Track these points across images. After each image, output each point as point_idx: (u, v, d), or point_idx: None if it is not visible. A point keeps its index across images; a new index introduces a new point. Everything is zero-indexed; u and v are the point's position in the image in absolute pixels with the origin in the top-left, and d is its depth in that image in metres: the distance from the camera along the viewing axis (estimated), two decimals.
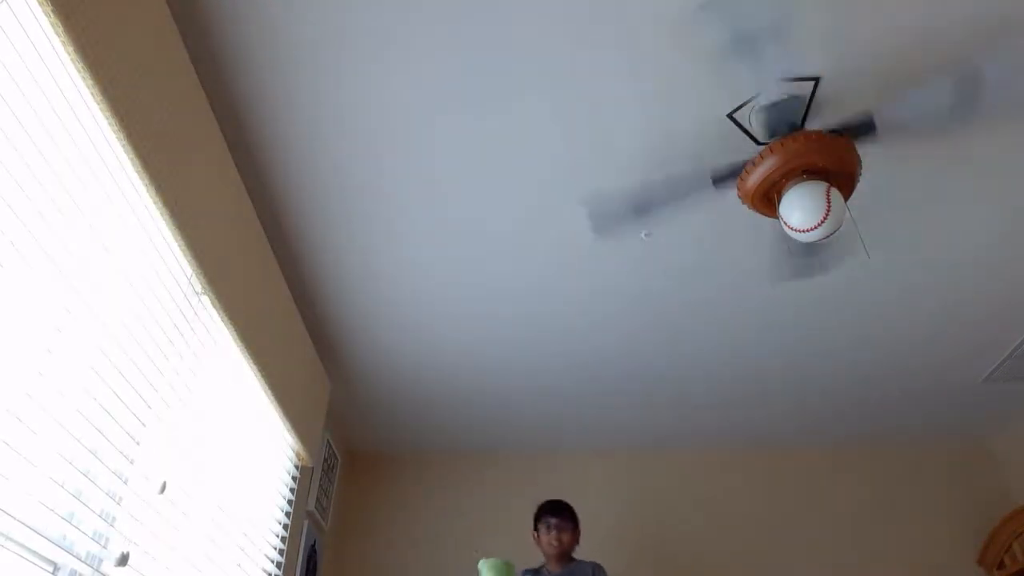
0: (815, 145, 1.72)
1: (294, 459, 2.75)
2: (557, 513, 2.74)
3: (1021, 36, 1.66)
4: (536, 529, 2.75)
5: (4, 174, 1.17)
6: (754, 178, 1.80)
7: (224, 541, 2.08)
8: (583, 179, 2.06)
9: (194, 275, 1.77)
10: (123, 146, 1.38)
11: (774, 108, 1.77)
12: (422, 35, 1.65)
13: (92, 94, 1.29)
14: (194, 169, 1.67)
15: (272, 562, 2.52)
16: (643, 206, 2.01)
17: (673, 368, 3.05)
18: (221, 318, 1.90)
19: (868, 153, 1.84)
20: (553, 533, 2.68)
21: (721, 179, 1.89)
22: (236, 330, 1.95)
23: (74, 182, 1.36)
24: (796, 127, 1.77)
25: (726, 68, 1.70)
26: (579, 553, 2.80)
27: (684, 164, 1.97)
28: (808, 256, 2.24)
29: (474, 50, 1.69)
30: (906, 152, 1.97)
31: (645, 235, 2.26)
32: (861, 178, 1.84)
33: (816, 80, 1.75)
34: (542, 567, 2.72)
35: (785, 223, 1.78)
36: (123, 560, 1.52)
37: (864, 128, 1.76)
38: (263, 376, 2.15)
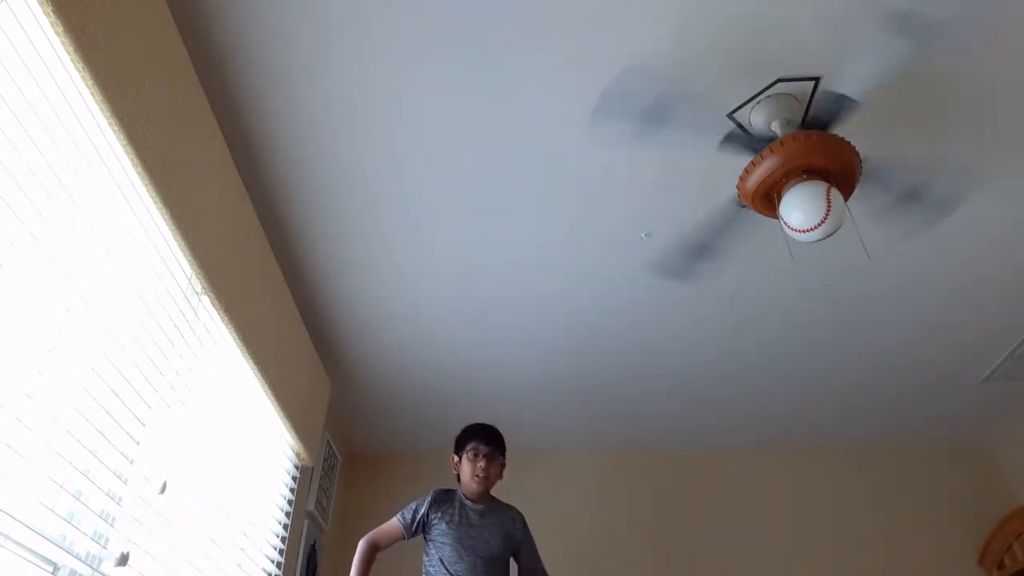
0: (815, 145, 1.72)
1: (294, 459, 2.74)
2: (490, 440, 2.29)
3: None
4: (458, 453, 2.31)
5: (4, 174, 1.17)
6: (754, 178, 1.80)
7: (224, 541, 2.08)
8: (585, 182, 2.06)
9: (194, 275, 1.77)
10: (123, 146, 1.38)
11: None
12: (422, 36, 1.65)
13: (92, 94, 1.29)
14: (194, 169, 1.67)
15: (272, 562, 2.52)
16: (657, 113, 1.81)
17: (672, 369, 3.05)
18: (221, 318, 1.90)
19: (866, 146, 1.84)
20: (481, 463, 2.24)
21: (732, 140, 1.83)
22: (236, 330, 1.95)
23: (74, 182, 1.36)
24: (796, 127, 1.77)
25: (729, 65, 1.70)
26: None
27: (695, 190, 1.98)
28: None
29: (474, 49, 1.69)
30: (903, 130, 1.95)
31: (645, 235, 2.26)
32: (861, 178, 1.84)
33: (816, 80, 1.74)
34: (454, 491, 2.31)
35: (785, 223, 1.78)
36: (123, 560, 1.52)
37: (839, 104, 1.74)
38: (263, 376, 2.15)
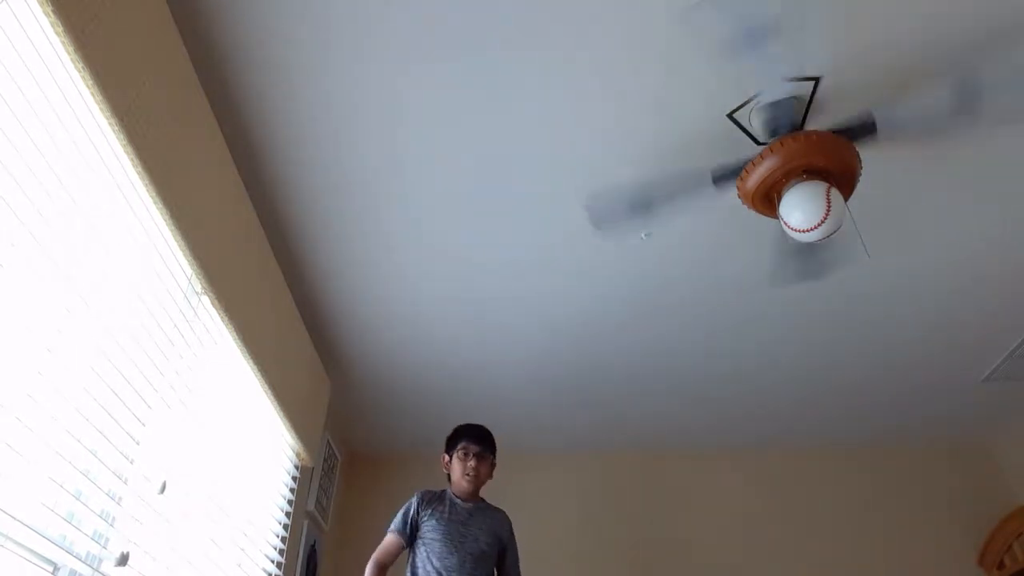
0: (815, 145, 1.72)
1: (294, 459, 2.74)
2: (481, 440, 2.32)
3: (1021, 42, 1.66)
4: (448, 453, 2.34)
5: (4, 174, 1.17)
6: (754, 178, 1.80)
7: (224, 541, 2.08)
8: (584, 181, 2.06)
9: (194, 275, 1.77)
10: (123, 146, 1.38)
11: (774, 107, 1.77)
12: (422, 36, 1.65)
13: (92, 94, 1.29)
14: (194, 169, 1.67)
15: (272, 562, 2.52)
16: (643, 203, 1.96)
17: (672, 369, 3.05)
18: (221, 318, 1.90)
19: (868, 154, 1.84)
20: (472, 462, 2.27)
21: (721, 178, 1.88)
22: (236, 330, 1.95)
23: (74, 182, 1.36)
24: (796, 127, 1.77)
25: (729, 65, 1.70)
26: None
27: (686, 162, 1.97)
28: (806, 259, 2.23)
29: (474, 49, 1.69)
30: (905, 153, 1.97)
31: (645, 235, 2.26)
32: (861, 178, 1.84)
33: (816, 80, 1.75)
34: (443, 491, 2.33)
35: (785, 223, 1.78)
36: (123, 560, 1.52)
37: (863, 129, 1.76)
38: (263, 376, 2.15)
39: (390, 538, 2.25)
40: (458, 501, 2.29)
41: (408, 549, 2.24)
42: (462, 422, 2.40)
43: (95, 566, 1.45)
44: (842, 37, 1.67)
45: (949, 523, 3.59)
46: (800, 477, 3.75)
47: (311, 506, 2.96)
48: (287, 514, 2.70)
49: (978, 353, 2.99)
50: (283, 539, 2.63)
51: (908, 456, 3.80)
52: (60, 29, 1.18)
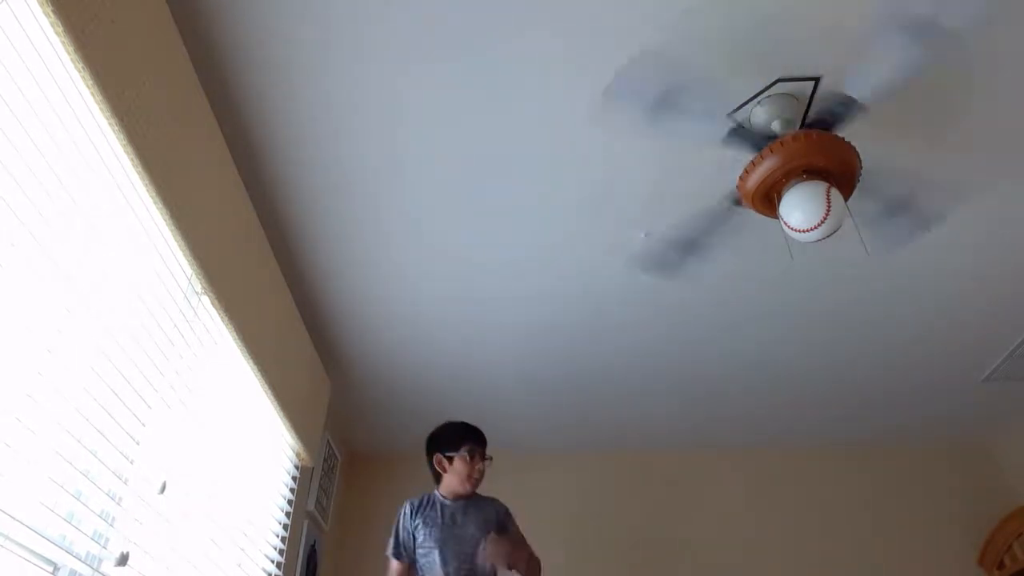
0: (815, 145, 1.72)
1: (294, 459, 2.74)
2: (485, 442, 2.28)
3: None
4: (446, 453, 2.27)
5: (4, 174, 1.17)
6: (754, 178, 1.80)
7: (224, 541, 2.08)
8: (585, 181, 2.06)
9: (194, 275, 1.77)
10: (123, 146, 1.38)
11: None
12: (422, 36, 1.65)
13: (92, 94, 1.29)
14: (194, 169, 1.67)
15: (272, 562, 2.52)
16: (667, 101, 1.79)
17: (671, 369, 3.05)
18: (221, 318, 1.90)
19: (869, 150, 1.84)
20: (480, 465, 2.24)
21: (738, 134, 1.82)
22: (236, 330, 1.94)
23: (74, 182, 1.36)
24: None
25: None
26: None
27: (686, 163, 1.97)
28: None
29: (474, 49, 1.69)
30: (903, 129, 1.94)
31: (645, 235, 2.26)
32: (861, 178, 1.83)
33: (816, 80, 1.74)
34: (429, 495, 2.27)
35: (785, 223, 1.78)
36: (123, 560, 1.52)
37: (850, 108, 1.73)
38: (263, 376, 2.15)
39: (395, 566, 2.21)
40: (447, 502, 2.24)
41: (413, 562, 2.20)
42: (469, 422, 2.37)
43: (95, 566, 1.45)
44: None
45: (949, 523, 3.59)
46: (800, 477, 3.75)
47: (311, 506, 2.96)
48: (287, 514, 2.70)
49: (978, 353, 2.99)
50: (283, 539, 2.63)
51: (908, 456, 3.80)
52: (60, 29, 1.18)
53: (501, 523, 2.25)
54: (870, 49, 1.59)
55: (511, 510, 2.34)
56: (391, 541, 2.24)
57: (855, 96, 1.68)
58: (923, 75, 1.65)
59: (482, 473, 2.26)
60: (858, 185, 1.84)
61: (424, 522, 2.20)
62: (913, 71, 1.61)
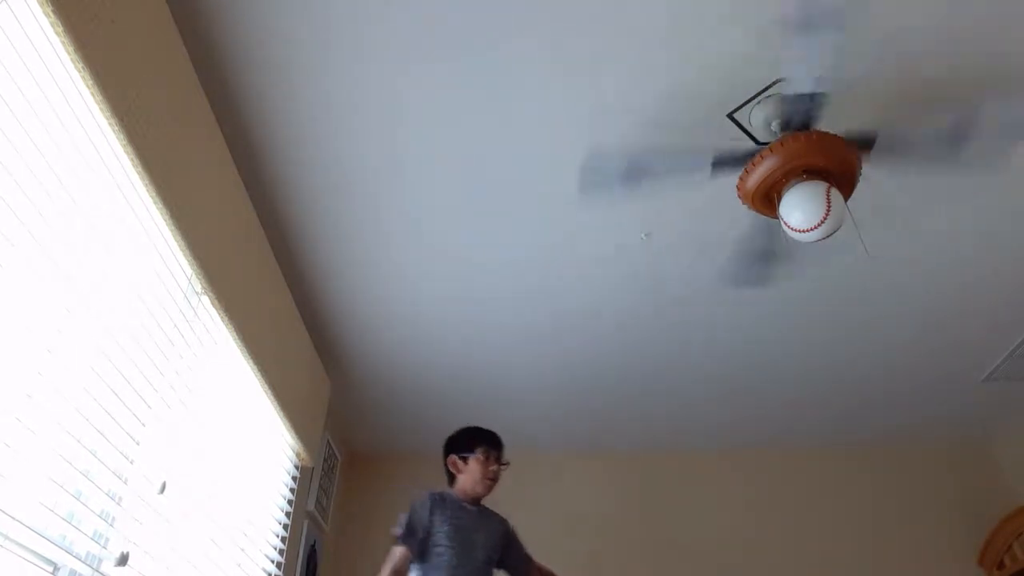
0: (815, 145, 1.72)
1: (294, 459, 2.74)
2: (500, 447, 2.27)
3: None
4: (462, 454, 2.26)
5: (4, 174, 1.17)
6: (754, 178, 1.80)
7: (224, 541, 2.08)
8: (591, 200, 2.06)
9: (194, 275, 1.77)
10: (123, 146, 1.38)
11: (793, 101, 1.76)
12: (422, 36, 1.65)
13: (92, 94, 1.29)
14: (194, 169, 1.67)
15: (272, 562, 2.52)
16: (635, 172, 1.87)
17: (672, 369, 3.05)
18: (221, 318, 1.90)
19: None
20: (494, 468, 2.22)
21: (720, 164, 1.83)
22: (236, 330, 1.95)
23: (74, 182, 1.36)
24: (807, 126, 1.76)
25: (735, 61, 1.71)
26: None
27: (687, 136, 1.92)
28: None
29: (474, 49, 1.69)
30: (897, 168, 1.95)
31: (645, 236, 2.26)
32: (861, 178, 1.84)
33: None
34: (448, 492, 2.25)
35: (785, 223, 1.78)
36: (123, 560, 1.52)
37: (861, 144, 1.75)
38: (263, 376, 2.15)
39: (400, 552, 2.10)
40: (465, 504, 2.22)
41: (419, 550, 2.11)
42: (468, 422, 2.36)
43: (95, 566, 1.45)
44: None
45: (949, 523, 3.59)
46: (799, 477, 3.74)
47: (311, 506, 2.96)
48: (287, 514, 2.70)
49: (978, 353, 2.99)
50: (283, 539, 2.63)
51: (908, 456, 3.79)
52: (60, 29, 1.18)
53: (506, 538, 2.25)
54: (795, 50, 1.61)
55: (509, 514, 2.33)
56: (403, 526, 2.14)
57: (812, 89, 1.69)
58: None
59: (496, 475, 2.23)
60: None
61: (442, 518, 2.16)
62: (838, 52, 1.62)
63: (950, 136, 1.74)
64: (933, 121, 1.74)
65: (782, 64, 1.69)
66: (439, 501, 2.19)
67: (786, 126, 1.77)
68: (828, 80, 1.66)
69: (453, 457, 2.28)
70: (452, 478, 2.28)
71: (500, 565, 2.25)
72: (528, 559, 2.29)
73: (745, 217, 1.98)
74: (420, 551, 2.11)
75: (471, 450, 2.26)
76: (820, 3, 1.50)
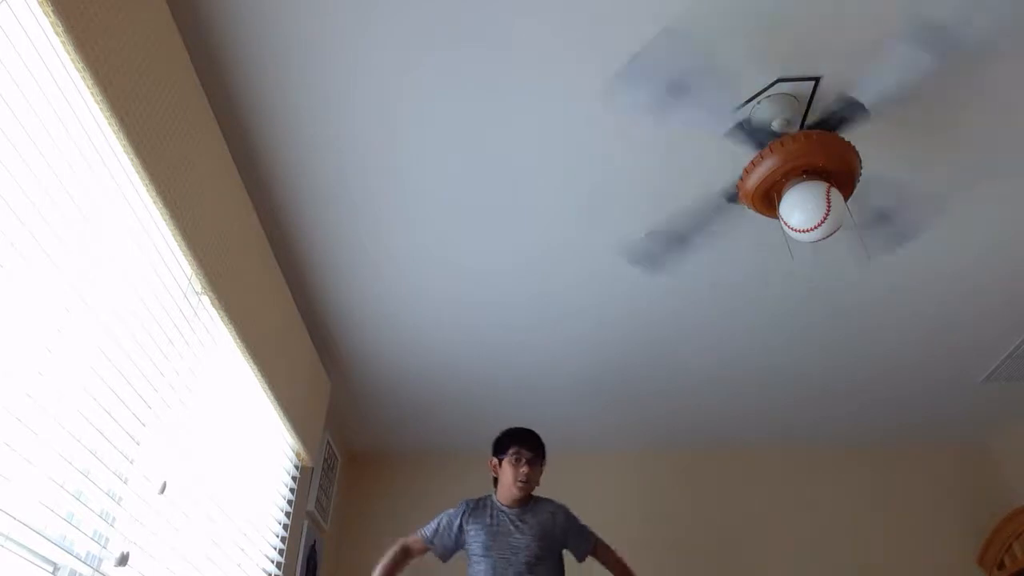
0: (815, 145, 1.72)
1: (294, 459, 2.74)
2: (533, 445, 2.23)
3: None
4: (498, 457, 2.25)
5: (4, 174, 1.17)
6: (754, 178, 1.80)
7: (224, 541, 2.08)
8: (587, 184, 2.06)
9: (194, 275, 1.77)
10: (123, 146, 1.38)
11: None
12: (424, 39, 1.66)
13: (92, 94, 1.29)
14: (194, 169, 1.67)
15: (272, 562, 2.52)
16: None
17: (672, 368, 3.05)
18: (221, 318, 1.90)
19: (868, 150, 1.84)
20: (524, 468, 2.17)
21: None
22: (236, 330, 1.95)
23: (74, 182, 1.36)
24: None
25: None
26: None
27: (687, 163, 1.98)
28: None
29: (475, 54, 1.69)
30: (903, 129, 1.94)
31: (646, 235, 2.26)
32: (861, 179, 1.83)
33: (816, 80, 1.74)
34: (486, 498, 2.25)
35: (785, 223, 1.78)
36: (123, 560, 1.52)
37: (852, 111, 1.73)
38: (263, 376, 2.15)
39: (417, 539, 2.23)
40: (504, 508, 2.20)
41: (440, 555, 2.23)
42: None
43: (95, 566, 1.45)
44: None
45: (949, 523, 3.59)
46: (799, 477, 3.74)
47: (311, 506, 2.96)
48: (287, 514, 2.70)
49: (978, 354, 2.98)
50: (283, 539, 2.63)
51: (908, 456, 3.79)
52: (60, 29, 1.18)
53: (563, 526, 2.21)
54: (882, 52, 1.59)
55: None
56: (429, 528, 2.24)
57: (860, 99, 1.68)
58: (928, 80, 1.65)
59: (527, 476, 2.18)
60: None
61: (477, 526, 2.17)
62: (920, 76, 1.61)
63: (923, 54, 1.64)
64: (897, 54, 1.65)
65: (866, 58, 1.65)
66: (475, 508, 2.22)
67: (804, 123, 1.76)
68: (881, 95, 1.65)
69: (492, 459, 2.28)
70: (495, 481, 2.28)
71: (566, 549, 2.24)
72: (591, 540, 2.26)
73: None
74: (442, 555, 2.20)
75: (504, 451, 2.24)
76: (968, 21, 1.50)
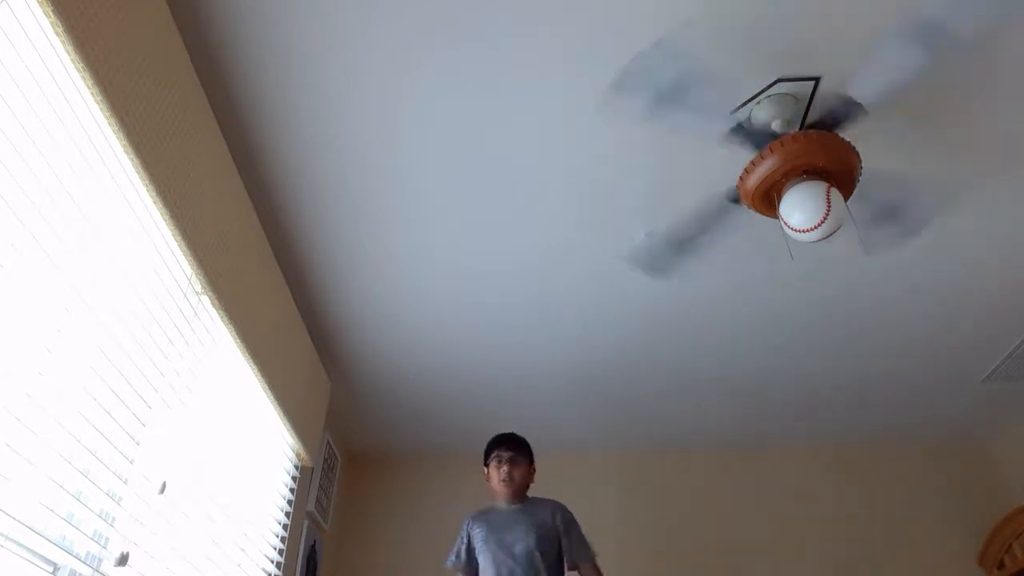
0: (815, 145, 1.72)
1: (294, 459, 2.74)
2: (510, 446, 2.43)
3: None
4: (486, 465, 2.47)
5: (4, 174, 1.17)
6: (754, 178, 1.80)
7: (224, 541, 2.08)
8: (588, 185, 2.06)
9: (194, 275, 1.77)
10: (123, 146, 1.38)
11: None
12: (423, 41, 1.66)
13: (92, 94, 1.29)
14: (194, 169, 1.67)
15: (272, 562, 2.52)
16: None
17: (672, 368, 3.05)
18: (221, 318, 1.90)
19: (868, 148, 1.83)
20: (504, 468, 2.37)
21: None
22: (236, 330, 1.95)
23: (74, 182, 1.36)
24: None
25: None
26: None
27: (687, 164, 1.97)
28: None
29: (476, 55, 1.69)
30: (903, 129, 1.94)
31: (646, 234, 2.26)
32: (861, 178, 1.83)
33: (816, 80, 1.74)
34: (489, 509, 2.43)
35: (785, 223, 1.78)
36: (123, 560, 1.52)
37: (852, 110, 1.73)
38: (263, 376, 2.15)
39: (447, 567, 2.39)
40: (503, 507, 2.40)
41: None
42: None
43: (95, 566, 1.45)
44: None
45: (949, 523, 3.59)
46: (799, 477, 3.74)
47: (311, 506, 2.96)
48: (287, 514, 2.70)
49: (978, 353, 2.99)
50: (283, 539, 2.63)
51: (908, 456, 3.80)
52: (60, 29, 1.18)
53: (556, 526, 2.34)
54: (876, 51, 1.59)
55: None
56: (452, 552, 2.42)
57: (857, 98, 1.68)
58: (924, 77, 1.65)
59: (508, 474, 2.38)
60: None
61: (479, 528, 2.37)
62: (916, 74, 1.61)
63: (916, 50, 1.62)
64: (890, 50, 1.62)
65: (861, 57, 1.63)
66: (478, 515, 2.43)
67: (803, 123, 1.76)
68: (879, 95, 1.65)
69: (484, 470, 2.50)
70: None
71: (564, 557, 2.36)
72: (585, 556, 2.31)
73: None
74: (470, 568, 2.35)
75: (487, 459, 2.49)
76: (963, 15, 1.49)
